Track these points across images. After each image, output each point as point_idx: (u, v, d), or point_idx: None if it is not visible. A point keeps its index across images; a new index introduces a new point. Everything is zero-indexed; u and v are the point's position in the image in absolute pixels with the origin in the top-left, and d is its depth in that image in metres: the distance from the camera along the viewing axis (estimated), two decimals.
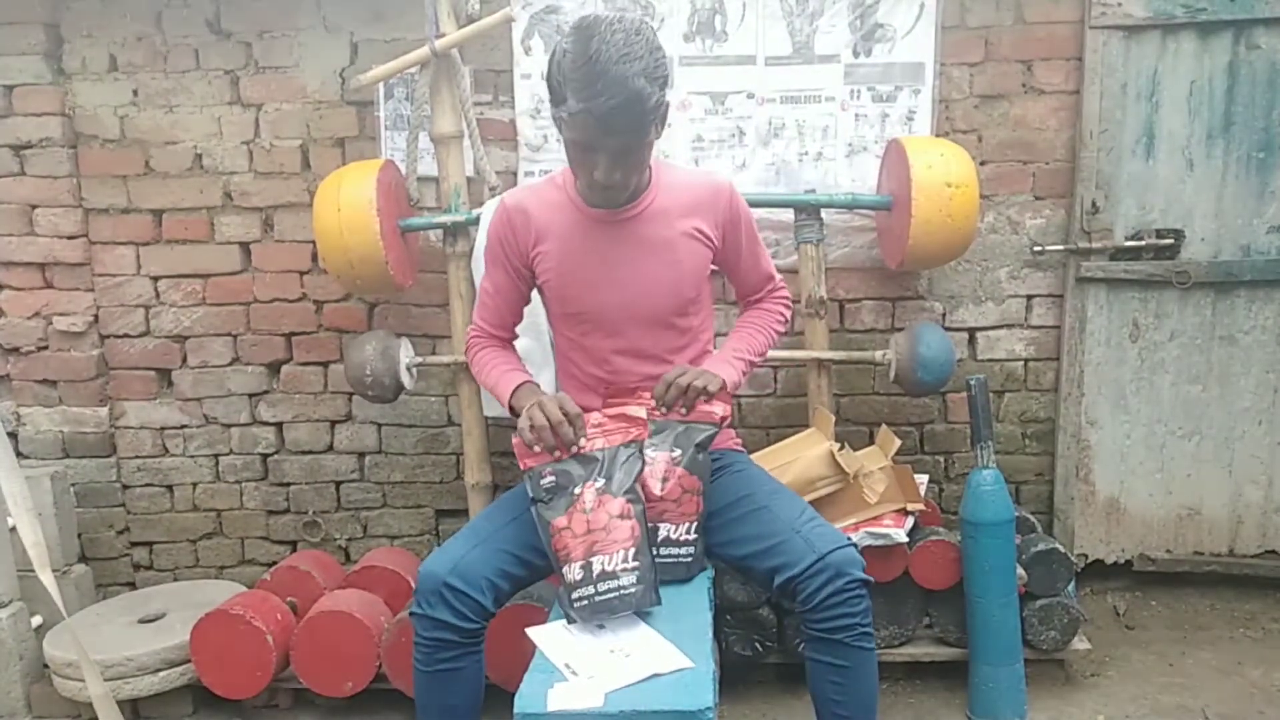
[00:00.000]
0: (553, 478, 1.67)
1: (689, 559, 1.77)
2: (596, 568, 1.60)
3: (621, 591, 1.60)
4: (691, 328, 1.93)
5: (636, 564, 1.62)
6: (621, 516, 1.64)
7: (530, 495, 1.68)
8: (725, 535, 1.80)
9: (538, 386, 1.90)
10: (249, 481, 2.99)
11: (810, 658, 1.69)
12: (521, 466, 1.70)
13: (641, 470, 1.73)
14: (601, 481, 1.66)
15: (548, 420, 1.68)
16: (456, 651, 1.67)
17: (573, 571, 1.62)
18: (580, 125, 1.63)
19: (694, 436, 1.77)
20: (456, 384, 2.67)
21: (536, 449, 1.68)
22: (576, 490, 1.66)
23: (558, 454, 1.69)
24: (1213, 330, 2.77)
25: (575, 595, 1.61)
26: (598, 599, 1.60)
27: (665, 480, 1.74)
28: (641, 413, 1.79)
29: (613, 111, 1.58)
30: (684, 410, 1.77)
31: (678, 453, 1.76)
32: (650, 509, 1.71)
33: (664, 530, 1.75)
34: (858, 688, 1.66)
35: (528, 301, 2.01)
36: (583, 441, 1.70)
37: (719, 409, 1.80)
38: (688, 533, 1.76)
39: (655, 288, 1.85)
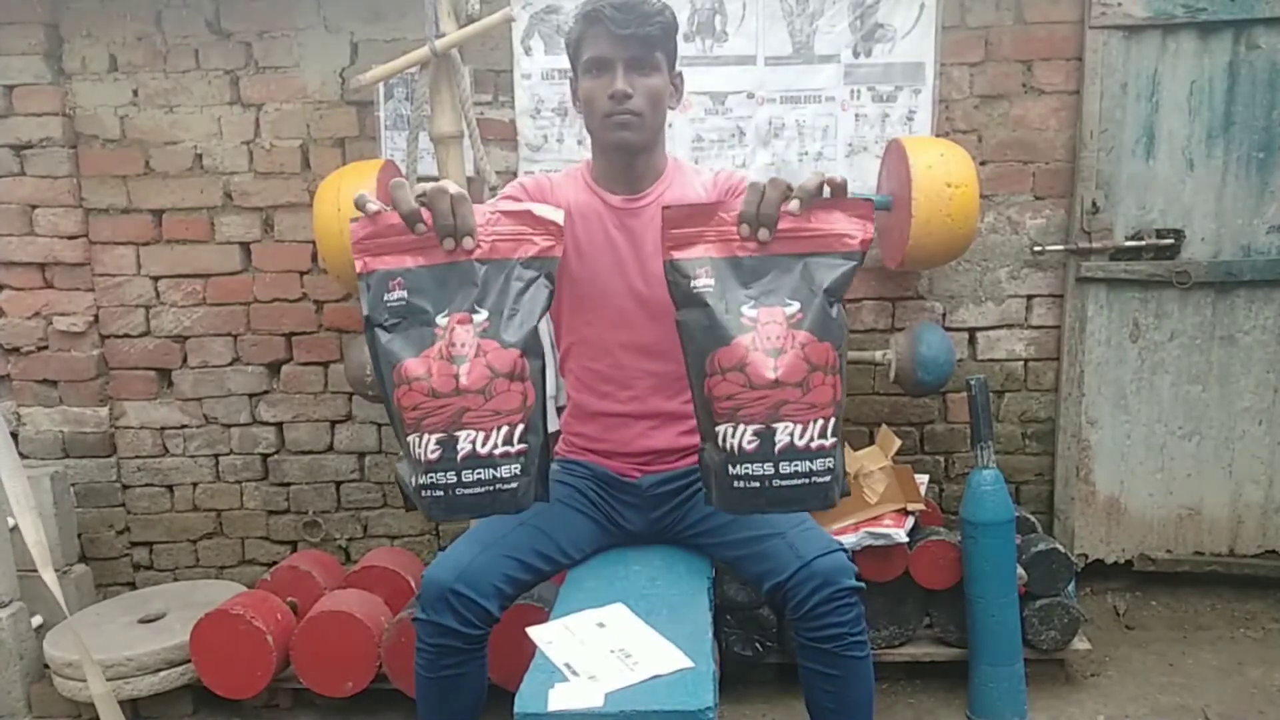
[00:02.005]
0: (404, 294, 1.15)
1: (827, 477, 1.15)
2: (463, 446, 1.13)
3: (497, 486, 1.15)
4: None
5: (524, 446, 1.16)
6: (512, 376, 1.15)
7: (366, 312, 1.17)
8: (718, 537, 1.79)
9: None
10: (249, 481, 2.99)
11: (802, 665, 1.67)
12: (359, 269, 1.17)
13: (548, 305, 1.20)
14: (483, 314, 1.16)
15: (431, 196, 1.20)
16: (461, 658, 1.64)
17: (424, 445, 1.13)
18: (592, 37, 1.69)
19: (819, 277, 1.15)
20: None
21: (394, 210, 1.17)
22: (441, 320, 1.15)
23: (421, 228, 1.15)
24: (1213, 330, 2.77)
25: (426, 481, 1.15)
26: (459, 492, 1.14)
27: (780, 353, 1.13)
28: (557, 216, 1.20)
29: (620, 8, 1.65)
30: (794, 209, 1.13)
31: (794, 306, 1.15)
32: (762, 400, 1.14)
33: (783, 433, 1.13)
34: (851, 696, 1.64)
35: None
36: (468, 243, 1.17)
37: (857, 229, 1.17)
38: (822, 435, 1.13)
39: (661, 277, 1.83)
